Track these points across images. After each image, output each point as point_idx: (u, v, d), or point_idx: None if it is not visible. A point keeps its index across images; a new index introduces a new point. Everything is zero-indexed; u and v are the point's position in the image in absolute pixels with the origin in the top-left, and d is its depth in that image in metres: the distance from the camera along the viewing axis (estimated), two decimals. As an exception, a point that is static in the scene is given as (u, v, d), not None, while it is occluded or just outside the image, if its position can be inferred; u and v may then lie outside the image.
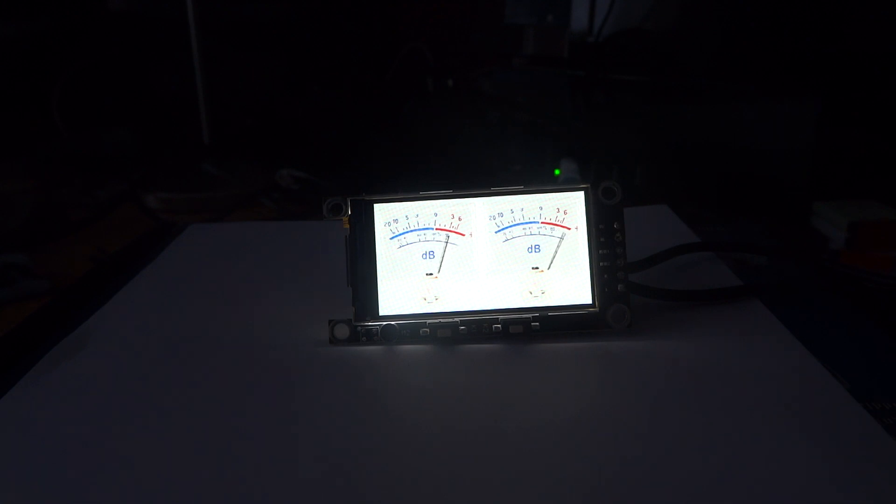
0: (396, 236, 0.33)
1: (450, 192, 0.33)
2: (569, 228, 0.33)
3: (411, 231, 0.33)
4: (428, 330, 0.32)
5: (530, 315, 0.32)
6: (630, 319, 0.32)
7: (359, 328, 0.32)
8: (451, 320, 0.32)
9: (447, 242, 0.33)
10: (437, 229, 0.33)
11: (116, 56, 0.83)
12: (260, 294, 0.38)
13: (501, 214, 0.33)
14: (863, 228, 0.53)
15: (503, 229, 0.33)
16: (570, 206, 0.33)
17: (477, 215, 0.33)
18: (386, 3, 1.06)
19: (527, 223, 0.33)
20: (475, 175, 0.70)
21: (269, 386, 0.29)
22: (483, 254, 0.33)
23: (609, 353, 0.31)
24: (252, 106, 0.89)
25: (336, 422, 0.26)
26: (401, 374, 0.30)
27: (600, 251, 0.32)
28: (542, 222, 0.33)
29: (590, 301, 0.32)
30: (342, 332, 0.32)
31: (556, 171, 0.65)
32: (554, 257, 0.32)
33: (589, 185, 0.33)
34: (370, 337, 0.32)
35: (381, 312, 0.32)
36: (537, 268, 0.33)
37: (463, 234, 0.33)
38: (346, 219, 0.33)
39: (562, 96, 0.78)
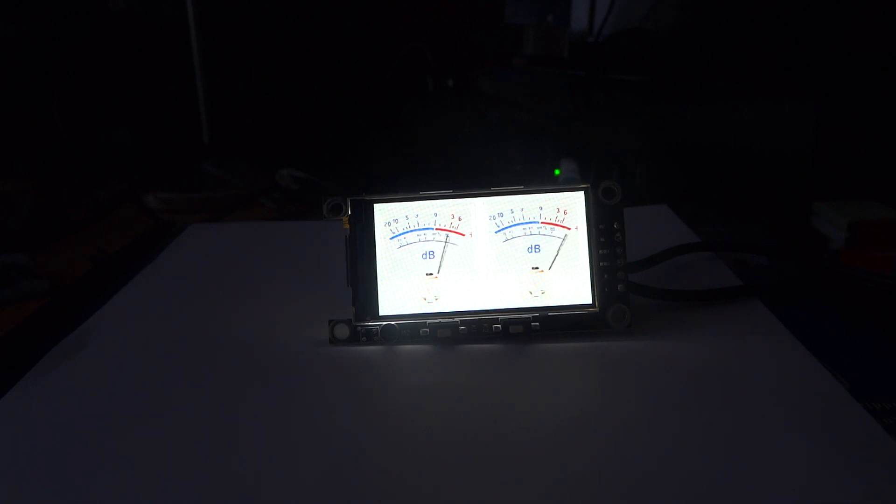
0: (396, 236, 0.33)
1: (450, 192, 0.33)
2: (569, 228, 0.33)
3: (411, 231, 0.33)
4: (428, 330, 0.32)
5: (530, 315, 0.32)
6: (630, 319, 0.32)
7: (359, 328, 0.32)
8: (451, 320, 0.32)
9: (437, 240, 0.33)
10: (437, 229, 0.33)
11: (116, 56, 0.83)
12: (260, 294, 0.38)
13: (501, 214, 0.33)
14: (863, 228, 0.53)
15: (503, 229, 0.33)
16: (570, 206, 0.33)
17: (477, 215, 0.33)
18: (386, 3, 1.06)
19: (527, 223, 0.33)
20: (475, 175, 0.70)
21: (270, 386, 0.29)
22: (483, 254, 0.33)
23: (609, 353, 0.31)
24: (252, 106, 0.89)
25: (336, 422, 0.26)
26: (401, 374, 0.30)
27: (600, 251, 0.32)
28: (542, 222, 0.33)
29: (590, 301, 0.32)
30: (342, 332, 0.32)
31: (556, 171, 0.65)
32: (555, 258, 0.32)
33: (589, 185, 0.33)
34: (370, 337, 0.32)
35: (381, 312, 0.32)
36: (537, 268, 0.33)
37: (463, 234, 0.33)
38: (346, 219, 0.33)
39: (562, 96, 0.78)
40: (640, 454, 0.24)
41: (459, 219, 0.33)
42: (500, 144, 0.75)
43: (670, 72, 0.71)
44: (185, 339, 0.33)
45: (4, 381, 0.30)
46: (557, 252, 0.32)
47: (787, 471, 0.22)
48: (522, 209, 0.33)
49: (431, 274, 0.33)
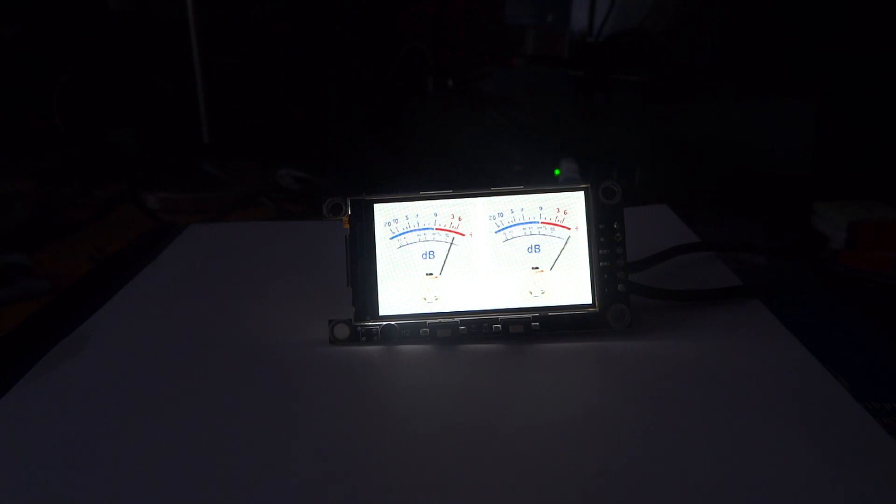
0: (396, 236, 0.33)
1: (450, 192, 0.33)
2: (569, 228, 0.33)
3: (411, 231, 0.33)
4: (428, 330, 0.32)
5: (530, 315, 0.32)
6: (630, 319, 0.32)
7: (359, 328, 0.32)
8: (451, 320, 0.32)
9: (437, 240, 0.33)
10: (437, 229, 0.33)
11: (116, 56, 0.83)
12: (260, 294, 0.38)
13: (501, 214, 0.33)
14: (863, 228, 0.53)
15: (503, 229, 0.33)
16: (570, 206, 0.33)
17: (477, 215, 0.33)
18: (386, 3, 1.06)
19: (527, 223, 0.33)
20: (475, 175, 0.70)
21: (270, 386, 0.29)
22: (483, 254, 0.33)
23: (609, 353, 0.31)
24: (252, 106, 0.89)
25: (336, 422, 0.26)
26: (401, 374, 0.30)
27: (600, 251, 0.32)
28: (542, 222, 0.33)
29: (590, 301, 0.32)
30: (342, 332, 0.32)
31: (556, 171, 0.65)
32: (557, 259, 0.32)
33: (589, 185, 0.33)
34: (370, 337, 0.32)
35: (381, 312, 0.32)
36: (537, 268, 0.33)
37: (463, 234, 0.33)
38: (346, 219, 0.33)
39: (562, 96, 0.78)
40: (640, 454, 0.24)
41: (459, 219, 0.33)
42: (500, 144, 0.75)
43: (670, 72, 0.71)
44: (185, 339, 0.33)
45: (4, 381, 0.30)
46: (560, 254, 0.32)
47: (786, 471, 0.22)
48: (522, 209, 0.33)
49: (431, 274, 0.33)
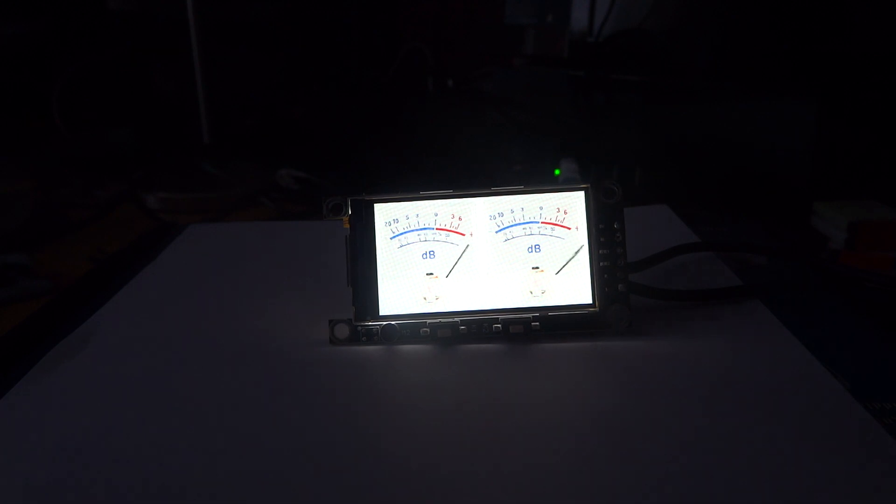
0: (396, 236, 0.33)
1: (450, 192, 0.33)
2: (569, 228, 0.33)
3: (411, 231, 0.33)
4: (428, 330, 0.32)
5: (530, 315, 0.32)
6: (630, 319, 0.32)
7: (359, 328, 0.32)
8: (451, 320, 0.32)
9: (437, 240, 0.33)
10: (437, 229, 0.33)
11: (116, 56, 0.83)
12: (260, 294, 0.38)
13: (502, 214, 0.33)
14: (863, 228, 0.53)
15: (503, 229, 0.33)
16: (570, 206, 0.33)
17: (477, 215, 0.33)
18: (386, 3, 1.06)
19: (527, 223, 0.33)
20: (475, 175, 0.70)
21: (270, 386, 0.29)
22: (483, 254, 0.33)
23: (609, 353, 0.31)
24: (252, 106, 0.89)
25: (336, 422, 0.26)
26: (401, 374, 0.30)
27: (600, 251, 0.32)
28: (542, 222, 0.33)
29: (590, 301, 0.32)
30: (342, 332, 0.32)
31: (556, 171, 0.65)
32: (566, 264, 0.32)
33: (589, 185, 0.33)
34: (370, 337, 0.32)
35: (382, 312, 0.32)
36: (538, 268, 0.33)
37: (463, 234, 0.33)
38: (346, 219, 0.33)
39: (562, 96, 0.78)
40: (640, 454, 0.24)
41: (460, 219, 0.33)
42: (500, 144, 0.75)
43: (670, 72, 0.71)
44: (185, 339, 0.33)
45: (4, 381, 0.30)
46: (569, 260, 0.32)
47: (786, 471, 0.22)
48: (523, 209, 0.33)
49: (432, 274, 0.33)
